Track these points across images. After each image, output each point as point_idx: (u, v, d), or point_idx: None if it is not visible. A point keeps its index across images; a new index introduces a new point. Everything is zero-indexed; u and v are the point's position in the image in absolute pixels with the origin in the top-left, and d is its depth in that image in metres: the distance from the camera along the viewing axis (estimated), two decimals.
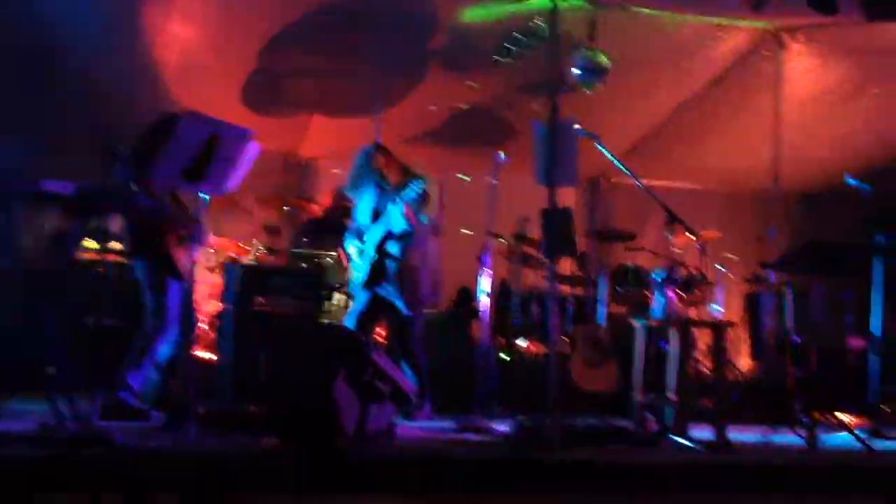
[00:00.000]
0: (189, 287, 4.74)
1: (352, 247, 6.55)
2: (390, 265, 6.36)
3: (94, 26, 6.75)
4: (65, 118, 7.22)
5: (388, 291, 6.37)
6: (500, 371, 6.67)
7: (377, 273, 6.36)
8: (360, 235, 6.52)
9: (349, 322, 6.42)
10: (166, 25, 7.06)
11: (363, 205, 6.57)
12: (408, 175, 6.43)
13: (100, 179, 4.49)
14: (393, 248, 6.37)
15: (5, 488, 3.78)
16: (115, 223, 6.03)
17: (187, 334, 4.84)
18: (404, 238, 6.35)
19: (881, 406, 6.57)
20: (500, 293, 8.17)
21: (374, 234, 6.37)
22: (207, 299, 7.34)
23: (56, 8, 6.47)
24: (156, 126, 5.21)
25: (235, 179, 5.12)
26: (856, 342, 7.88)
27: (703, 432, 5.67)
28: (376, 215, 6.46)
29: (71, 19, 6.56)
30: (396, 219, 6.27)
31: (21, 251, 4.50)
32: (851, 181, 6.33)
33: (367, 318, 6.42)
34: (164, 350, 5.46)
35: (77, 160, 7.25)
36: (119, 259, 6.89)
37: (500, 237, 7.99)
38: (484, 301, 6.24)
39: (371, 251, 6.39)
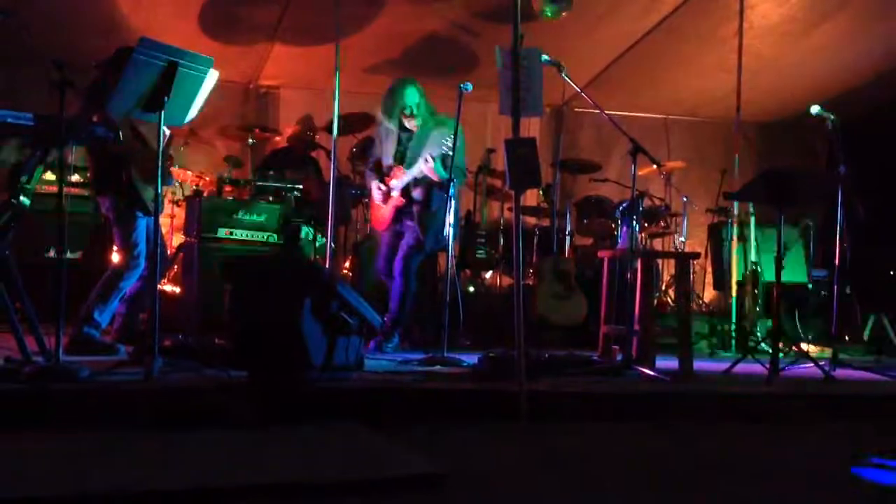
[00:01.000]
0: (156, 222, 4.65)
1: (375, 184, 6.50)
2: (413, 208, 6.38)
3: None
4: (15, 48, 7.02)
5: (407, 227, 6.40)
6: (466, 304, 6.68)
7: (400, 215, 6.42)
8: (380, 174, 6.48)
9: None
10: None
11: (387, 143, 6.50)
12: (437, 123, 6.34)
13: (55, 111, 4.34)
14: (417, 193, 6.38)
15: None
16: (74, 156, 5.93)
17: (157, 269, 4.77)
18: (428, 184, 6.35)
19: (842, 335, 6.71)
20: (466, 226, 8.15)
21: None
22: (172, 233, 7.25)
23: None
24: (113, 58, 5.07)
25: (195, 110, 5.02)
26: (818, 272, 8.02)
27: (667, 362, 5.76)
28: (400, 157, 6.43)
29: None
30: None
31: None
32: (816, 111, 6.33)
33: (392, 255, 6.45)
34: (130, 285, 5.40)
35: (29, 91, 7.16)
36: (79, 192, 6.79)
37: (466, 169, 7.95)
38: (448, 234, 6.21)
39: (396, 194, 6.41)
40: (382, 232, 6.59)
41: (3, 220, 4.44)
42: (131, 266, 5.33)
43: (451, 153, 5.90)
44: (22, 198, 4.50)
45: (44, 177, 6.41)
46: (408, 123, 6.45)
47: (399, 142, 6.50)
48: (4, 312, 4.52)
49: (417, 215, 6.38)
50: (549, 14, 7.37)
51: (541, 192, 8.47)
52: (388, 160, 6.49)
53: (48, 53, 4.64)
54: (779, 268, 5.72)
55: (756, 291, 7.53)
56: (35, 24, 6.72)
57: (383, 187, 6.46)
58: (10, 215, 4.46)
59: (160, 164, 4.62)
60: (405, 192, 6.42)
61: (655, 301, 6.21)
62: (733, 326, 7.47)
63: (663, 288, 8.33)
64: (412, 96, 6.41)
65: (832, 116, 6.33)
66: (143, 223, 5.34)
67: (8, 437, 3.64)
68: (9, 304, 4.53)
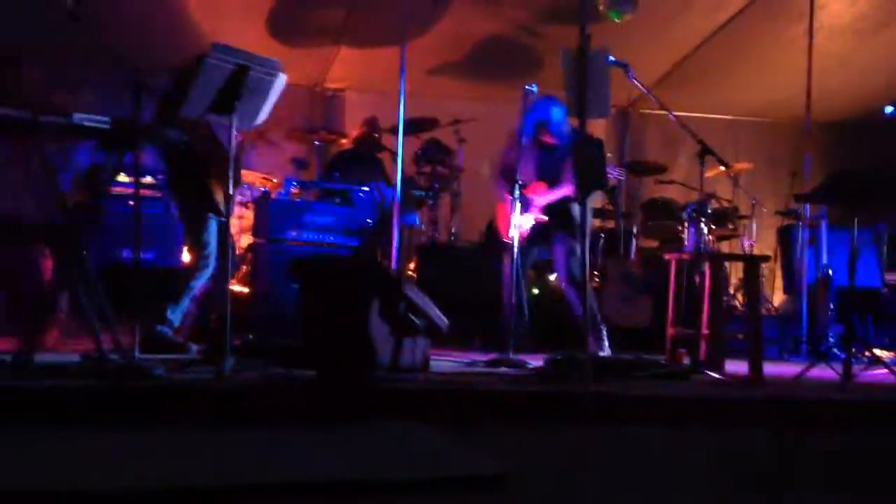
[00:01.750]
0: (227, 222, 4.74)
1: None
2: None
3: None
4: (90, 50, 7.19)
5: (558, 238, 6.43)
6: (531, 306, 6.66)
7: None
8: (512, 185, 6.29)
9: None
10: None
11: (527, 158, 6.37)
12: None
13: (130, 113, 4.45)
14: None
15: (48, 417, 3.84)
16: (148, 158, 6.05)
17: (227, 269, 4.86)
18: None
19: None
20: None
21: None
22: (240, 234, 7.37)
23: None
24: (188, 64, 5.17)
25: (264, 113, 5.10)
26: (892, 276, 7.83)
27: (736, 367, 5.68)
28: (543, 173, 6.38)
29: None
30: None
31: (55, 186, 4.51)
32: (890, 111, 6.19)
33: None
34: (200, 284, 5.50)
35: (104, 94, 7.33)
36: (153, 193, 6.93)
37: None
38: (514, 235, 6.20)
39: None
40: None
41: (80, 222, 4.55)
42: (202, 266, 5.43)
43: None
44: (101, 199, 4.61)
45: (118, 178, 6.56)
46: (548, 140, 6.40)
47: (539, 158, 6.44)
48: (81, 311, 4.63)
49: (564, 227, 6.35)
50: (615, 17, 7.33)
51: (606, 194, 8.41)
52: (527, 175, 6.30)
53: (123, 57, 4.75)
54: (852, 271, 5.62)
55: (828, 295, 7.39)
56: (108, 27, 6.87)
57: (520, 200, 6.20)
58: (87, 216, 4.58)
59: (232, 167, 4.70)
60: (547, 207, 6.38)
61: (724, 304, 6.11)
62: (804, 331, 7.34)
63: (732, 291, 8.21)
64: (556, 114, 6.36)
65: None
66: (214, 224, 5.43)
67: (84, 433, 3.73)
68: (86, 302, 4.65)
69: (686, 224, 7.25)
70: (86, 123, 4.38)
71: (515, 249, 6.14)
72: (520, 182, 6.11)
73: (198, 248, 5.46)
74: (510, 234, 6.13)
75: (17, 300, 4.82)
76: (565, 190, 6.30)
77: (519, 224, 6.22)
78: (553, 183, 6.38)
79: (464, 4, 7.84)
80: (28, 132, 4.33)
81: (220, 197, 5.22)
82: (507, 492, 3.26)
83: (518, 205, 6.21)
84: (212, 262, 5.43)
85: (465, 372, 5.41)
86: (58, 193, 4.52)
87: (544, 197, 6.35)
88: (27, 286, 4.61)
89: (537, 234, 6.46)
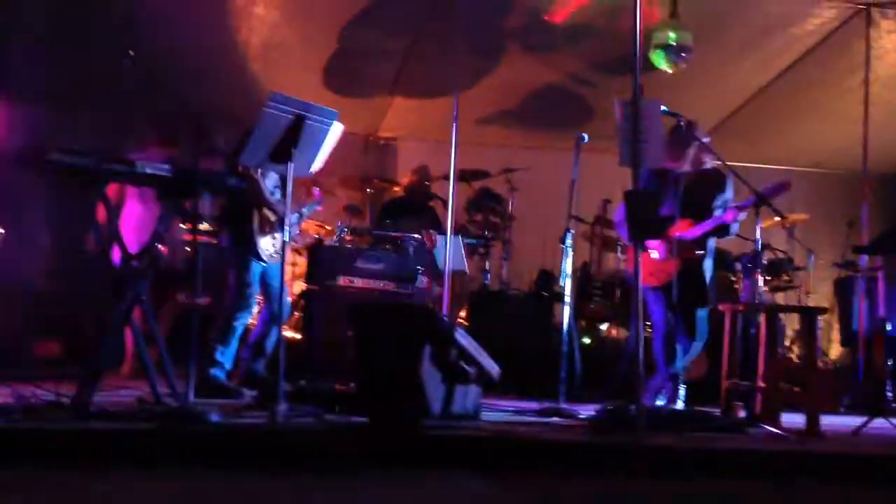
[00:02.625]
0: (280, 268, 4.81)
1: None
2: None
3: (181, 4, 6.89)
4: (151, 98, 7.39)
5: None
6: (582, 355, 6.62)
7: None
8: None
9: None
10: (251, 9, 7.16)
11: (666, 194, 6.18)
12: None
13: (190, 159, 4.57)
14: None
15: (104, 460, 3.89)
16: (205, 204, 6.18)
17: (281, 315, 4.94)
18: None
19: None
20: (582, 276, 8.12)
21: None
22: (293, 280, 7.44)
23: None
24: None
25: (320, 160, 5.18)
26: None
27: (792, 420, 5.58)
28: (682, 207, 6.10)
29: (169, 8, 6.71)
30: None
31: (119, 232, 4.62)
32: None
33: None
34: (244, 326, 5.58)
35: (165, 143, 7.51)
36: (210, 240, 7.05)
37: (582, 220, 7.94)
38: (566, 284, 6.19)
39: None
40: (653, 287, 6.16)
41: (142, 266, 4.64)
42: (242, 306, 5.53)
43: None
44: (158, 245, 4.70)
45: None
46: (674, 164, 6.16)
47: (673, 193, 6.18)
48: (139, 355, 4.70)
49: (698, 267, 6.11)
50: (665, 65, 7.34)
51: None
52: (666, 210, 6.11)
53: (186, 107, 4.88)
54: None
55: (885, 348, 7.24)
56: (171, 77, 7.06)
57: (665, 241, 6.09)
58: (148, 261, 4.67)
59: (286, 213, 4.77)
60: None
61: (779, 356, 6.01)
62: (861, 384, 7.19)
63: (787, 343, 8.09)
64: None
65: None
66: (257, 267, 5.54)
67: (140, 476, 3.77)
68: (143, 346, 4.72)
69: (741, 275, 7.20)
70: (148, 171, 4.48)
71: (568, 297, 6.12)
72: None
73: (238, 287, 5.56)
74: (562, 282, 6.11)
75: (78, 344, 4.91)
76: (712, 222, 6.00)
77: (657, 265, 6.07)
78: (697, 216, 6.08)
79: (517, 55, 7.92)
80: (92, 179, 4.44)
81: (264, 242, 5.34)
82: None
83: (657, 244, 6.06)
84: (252, 302, 5.52)
85: (516, 421, 5.38)
86: (120, 239, 4.61)
87: (691, 232, 6.07)
88: (89, 330, 4.71)
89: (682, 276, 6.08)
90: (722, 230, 6.06)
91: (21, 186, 6.76)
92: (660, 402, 6.05)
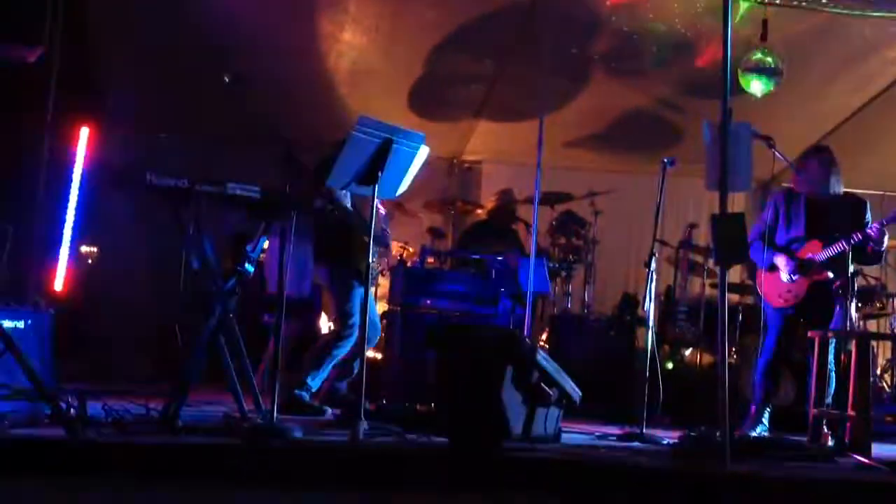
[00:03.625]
0: (366, 290, 4.89)
1: (781, 258, 6.12)
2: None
3: (270, 31, 7.07)
4: (241, 120, 7.58)
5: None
6: (665, 380, 6.53)
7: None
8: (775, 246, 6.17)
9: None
10: (339, 34, 7.30)
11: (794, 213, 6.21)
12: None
13: (280, 182, 4.68)
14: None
15: (191, 474, 3.99)
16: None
17: (369, 337, 5.01)
18: None
19: None
20: (666, 301, 8.02)
21: None
22: (376, 301, 7.53)
23: (235, 10, 6.80)
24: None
25: (406, 183, 5.24)
26: None
27: (885, 451, 5.42)
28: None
29: (250, 22, 6.88)
30: None
31: (209, 252, 4.75)
32: None
33: None
34: (344, 353, 5.65)
35: (255, 163, 7.70)
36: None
37: (666, 243, 7.86)
38: (649, 308, 6.14)
39: None
40: (776, 308, 6.17)
41: (229, 286, 4.76)
42: (346, 336, 5.59)
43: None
44: (246, 265, 4.82)
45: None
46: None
47: (804, 213, 6.17)
48: (226, 371, 4.81)
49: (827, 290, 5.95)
50: (756, 90, 7.25)
51: (747, 269, 8.23)
52: (795, 231, 6.15)
53: (275, 130, 4.99)
54: None
55: None
56: (263, 102, 7.24)
57: (785, 261, 6.08)
58: (235, 281, 4.79)
59: (373, 236, 4.84)
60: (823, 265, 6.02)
61: (871, 385, 5.85)
62: None
63: (879, 372, 7.85)
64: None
65: None
66: (358, 293, 5.57)
67: (224, 491, 3.85)
68: (230, 363, 4.83)
69: (832, 301, 7.02)
70: (238, 192, 4.60)
71: (651, 321, 6.07)
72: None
73: (342, 316, 5.62)
74: (646, 307, 6.06)
75: (168, 360, 5.06)
76: (843, 244, 5.86)
77: (784, 287, 6.07)
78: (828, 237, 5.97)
79: (603, 78, 7.90)
80: (185, 200, 4.58)
81: (362, 265, 5.39)
82: None
83: (786, 265, 6.03)
84: (355, 331, 5.56)
85: (596, 445, 5.34)
86: (210, 258, 4.74)
87: (823, 253, 5.99)
88: (181, 345, 4.84)
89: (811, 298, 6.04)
90: (872, 255, 5.96)
91: (117, 207, 6.99)
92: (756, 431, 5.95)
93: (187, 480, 3.93)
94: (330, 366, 5.63)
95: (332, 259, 5.63)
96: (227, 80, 4.88)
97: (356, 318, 5.56)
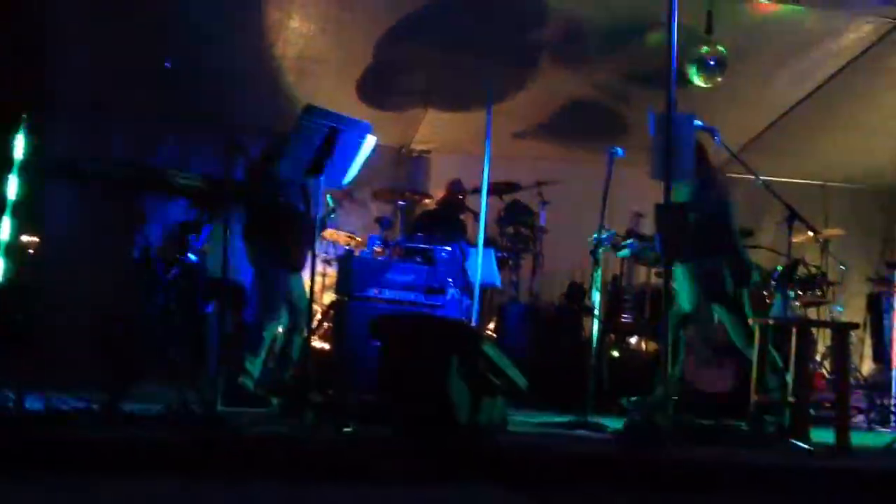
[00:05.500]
0: (302, 279, 4.87)
1: None
2: None
3: (217, 17, 6.98)
4: (187, 108, 7.49)
5: None
6: (611, 368, 6.61)
7: None
8: None
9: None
10: (287, 21, 7.23)
11: None
12: None
13: (225, 170, 4.64)
14: None
15: (132, 466, 3.95)
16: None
17: (306, 325, 4.97)
18: None
19: None
20: (612, 289, 8.09)
21: None
22: (323, 291, 7.50)
23: (194, 9, 6.72)
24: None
25: (353, 173, 5.23)
26: None
27: (822, 436, 5.53)
28: None
29: (205, 20, 6.80)
30: None
31: (147, 240, 4.69)
32: None
33: None
34: (272, 335, 5.61)
35: (200, 153, 7.63)
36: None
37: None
38: (596, 297, 6.19)
39: None
40: None
41: (172, 275, 4.71)
42: (271, 317, 5.56)
43: None
44: (189, 254, 4.77)
45: None
46: None
47: None
48: (169, 362, 4.76)
49: None
50: (701, 81, 7.33)
51: None
52: None
53: (222, 117, 4.94)
54: None
55: None
56: (209, 89, 7.17)
57: None
58: (178, 271, 4.74)
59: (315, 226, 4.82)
60: None
61: (810, 372, 5.97)
62: (894, 401, 7.10)
63: (819, 359, 8.01)
64: None
65: None
66: (284, 277, 5.56)
67: (164, 483, 3.81)
68: (174, 353, 4.78)
69: (773, 290, 7.15)
70: (181, 182, 4.55)
71: (598, 310, 6.12)
72: None
73: (266, 298, 5.60)
74: (592, 295, 6.11)
75: (110, 350, 4.99)
76: None
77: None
78: None
79: (551, 68, 7.92)
80: (127, 189, 4.52)
81: (295, 252, 5.38)
82: None
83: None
84: (280, 313, 5.55)
85: (542, 433, 5.38)
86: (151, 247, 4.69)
87: None
88: (120, 337, 4.78)
89: None
90: None
91: (58, 196, 6.87)
92: None
93: (129, 473, 3.88)
94: (264, 349, 5.60)
95: (259, 243, 5.61)
96: (167, 66, 4.81)
97: (279, 303, 5.55)
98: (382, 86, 8.18)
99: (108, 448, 4.02)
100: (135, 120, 8.12)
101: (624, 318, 7.91)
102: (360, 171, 5.40)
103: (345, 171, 5.05)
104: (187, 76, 7.10)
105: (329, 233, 7.23)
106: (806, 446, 5.23)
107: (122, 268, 5.31)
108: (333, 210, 6.53)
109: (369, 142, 5.06)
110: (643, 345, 8.22)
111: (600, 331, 6.19)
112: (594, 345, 6.04)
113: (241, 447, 4.25)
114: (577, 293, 8.41)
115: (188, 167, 4.91)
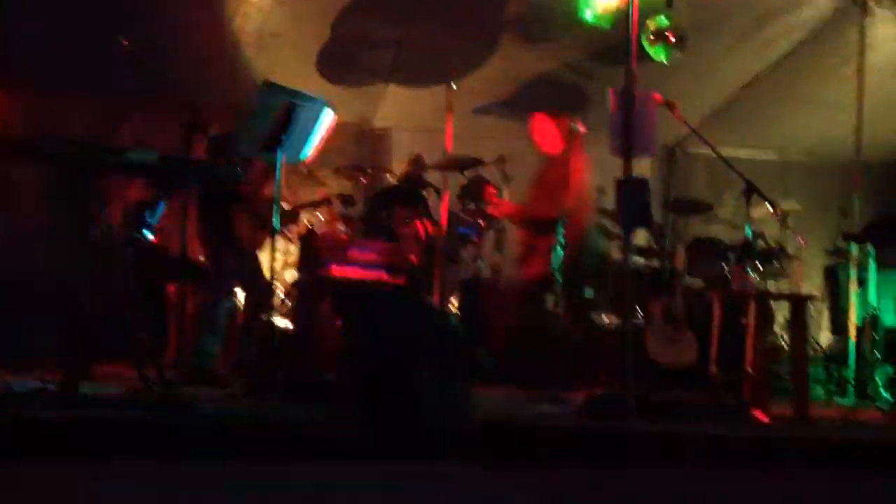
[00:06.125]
0: (256, 256, 4.84)
1: None
2: None
3: (178, 2, 6.89)
4: (145, 84, 7.38)
5: None
6: (574, 343, 6.64)
7: None
8: None
9: None
10: None
11: None
12: None
13: (182, 149, 4.58)
14: None
15: (91, 449, 3.91)
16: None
17: (265, 303, 4.93)
18: None
19: None
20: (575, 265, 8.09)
21: None
22: (285, 269, 7.44)
23: None
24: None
25: (312, 149, 5.18)
26: None
27: (782, 407, 5.61)
28: None
29: None
30: None
31: (105, 220, 4.62)
32: None
33: None
34: (228, 313, 5.57)
35: (160, 130, 7.52)
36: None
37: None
38: (558, 273, 6.20)
39: None
40: None
41: (128, 254, 4.64)
42: (223, 295, 5.52)
43: None
44: (146, 233, 4.70)
45: None
46: None
47: None
48: (128, 342, 4.70)
49: None
50: (661, 56, 7.34)
51: (651, 233, 8.39)
52: None
53: (178, 95, 4.87)
54: None
55: (876, 336, 7.27)
56: (165, 65, 7.06)
57: None
58: (134, 250, 4.66)
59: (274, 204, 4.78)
60: None
61: (770, 344, 6.04)
62: (851, 372, 7.21)
63: (777, 331, 8.11)
64: None
65: None
66: (235, 256, 5.51)
67: (125, 464, 3.78)
68: (132, 333, 4.72)
69: (731, 263, 7.21)
70: (137, 160, 4.48)
71: (561, 285, 6.14)
72: None
73: (219, 276, 5.56)
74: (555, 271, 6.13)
75: (67, 331, 4.92)
76: None
77: None
78: None
79: (512, 44, 7.90)
80: (81, 168, 4.44)
81: (247, 232, 5.34)
82: None
83: None
84: (230, 290, 5.51)
85: (507, 408, 5.40)
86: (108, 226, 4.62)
87: None
88: (80, 316, 4.71)
89: None
90: None
91: (13, 175, 6.76)
92: None
93: (88, 456, 3.84)
94: (221, 327, 5.55)
95: (213, 219, 5.55)
96: (124, 43, 4.73)
97: (230, 282, 5.50)
98: (342, 62, 8.10)
99: (66, 429, 3.98)
100: (93, 99, 8.00)
101: (586, 293, 7.92)
102: (320, 148, 5.36)
103: (303, 147, 5.01)
104: (145, 53, 6.99)
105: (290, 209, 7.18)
106: (765, 417, 5.30)
107: (80, 247, 5.21)
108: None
109: (328, 117, 5.02)
110: (606, 320, 8.27)
111: (563, 306, 6.20)
112: (558, 321, 6.06)
113: (203, 427, 4.22)
114: None
115: (150, 146, 4.81)
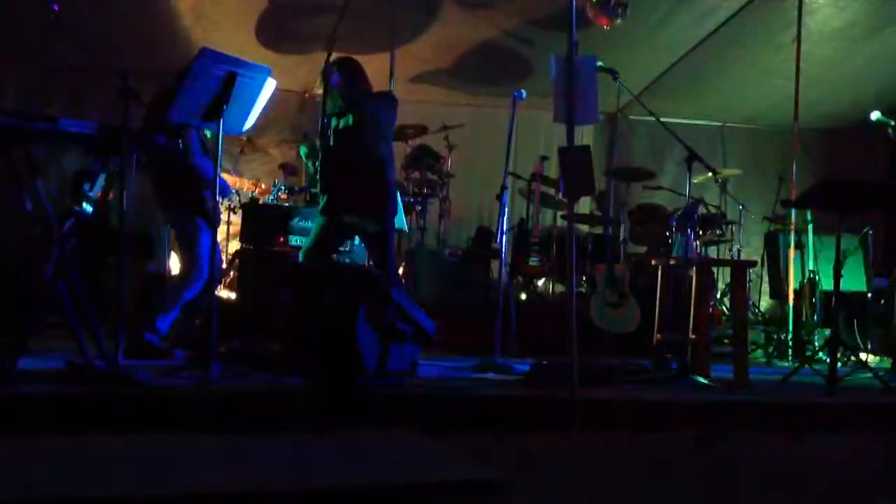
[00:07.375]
0: (215, 231, 4.74)
1: None
2: None
3: None
4: (83, 60, 7.19)
5: None
6: (519, 311, 6.67)
7: None
8: None
9: None
10: None
11: None
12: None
13: (119, 120, 4.46)
14: None
15: (29, 424, 3.83)
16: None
17: (214, 276, 4.85)
18: None
19: None
20: (518, 233, 8.14)
21: None
22: (228, 240, 7.36)
23: None
24: (179, 72, 5.15)
25: (253, 119, 5.09)
26: (878, 281, 7.85)
27: (722, 372, 5.70)
28: None
29: None
30: None
31: (43, 193, 4.49)
32: (876, 116, 6.23)
33: None
34: (194, 294, 5.47)
35: (97, 101, 7.36)
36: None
37: (519, 176, 7.95)
38: (503, 240, 6.22)
39: None
40: None
41: (66, 228, 4.53)
42: (195, 277, 5.41)
43: None
44: (84, 205, 4.59)
45: None
46: None
47: None
48: (67, 316, 4.60)
49: None
50: (603, 24, 7.34)
51: (595, 200, 8.44)
52: None
53: (113, 62, 4.75)
54: (837, 276, 5.62)
55: (814, 300, 7.43)
56: (100, 32, 6.88)
57: None
58: (73, 222, 4.56)
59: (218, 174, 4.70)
60: None
61: (711, 310, 6.13)
62: (790, 336, 7.36)
63: (719, 296, 8.23)
64: None
65: (893, 122, 6.22)
66: (207, 236, 5.38)
67: (67, 439, 3.72)
68: (71, 308, 4.62)
69: (673, 230, 7.29)
70: (72, 130, 4.36)
71: (504, 253, 6.15)
72: None
73: (191, 258, 5.43)
74: (499, 239, 6.14)
75: (4, 305, 4.81)
76: None
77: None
78: None
79: (454, 11, 7.85)
80: (14, 139, 4.32)
81: (209, 205, 5.22)
82: (498, 499, 3.25)
83: None
84: (205, 272, 5.39)
85: (452, 377, 5.41)
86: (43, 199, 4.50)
87: None
88: (15, 292, 4.60)
89: None
90: None
91: None
92: None
93: (27, 432, 3.77)
94: (178, 308, 5.46)
95: (177, 200, 5.42)
96: (55, 9, 4.59)
97: (205, 259, 5.38)
98: (283, 28, 7.99)
99: (3, 405, 3.90)
100: (24, 67, 7.79)
101: (531, 261, 7.96)
102: (261, 117, 5.28)
103: (244, 117, 4.91)
104: (79, 20, 6.81)
105: (232, 180, 7.07)
106: (707, 382, 5.39)
107: (15, 221, 5.08)
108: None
109: (269, 86, 4.93)
110: (550, 286, 8.33)
111: (507, 274, 6.22)
112: (501, 288, 6.07)
113: (145, 401, 4.17)
114: (485, 237, 8.46)
115: (85, 116, 4.69)
